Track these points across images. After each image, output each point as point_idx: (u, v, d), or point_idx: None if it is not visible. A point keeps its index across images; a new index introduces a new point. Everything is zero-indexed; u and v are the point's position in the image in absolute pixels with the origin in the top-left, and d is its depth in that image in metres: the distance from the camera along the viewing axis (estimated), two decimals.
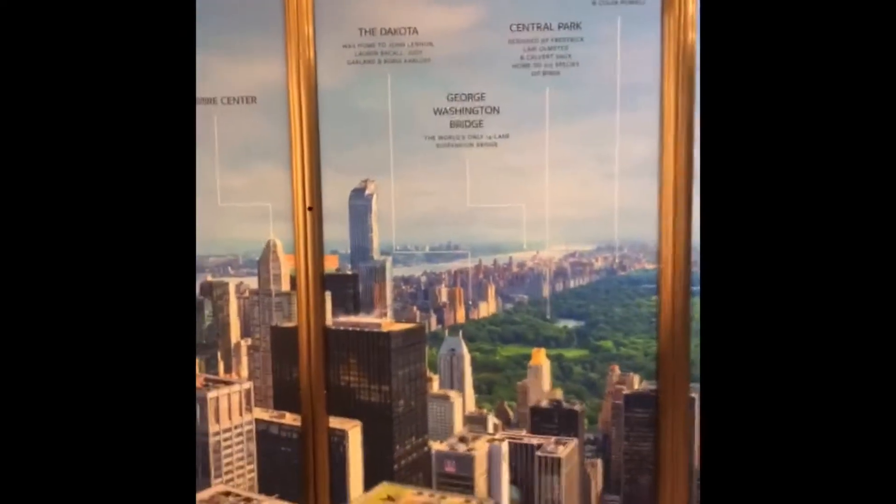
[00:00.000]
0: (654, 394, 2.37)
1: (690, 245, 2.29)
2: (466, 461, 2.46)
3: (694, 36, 2.21)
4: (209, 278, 2.57)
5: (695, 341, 2.35)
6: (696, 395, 2.37)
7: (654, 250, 2.31)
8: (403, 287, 2.47)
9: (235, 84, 2.46)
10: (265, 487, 2.57)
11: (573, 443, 2.43)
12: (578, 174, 2.33)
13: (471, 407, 2.47)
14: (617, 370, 2.41)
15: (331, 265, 2.45)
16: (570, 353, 2.42)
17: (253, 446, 2.57)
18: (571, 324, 2.42)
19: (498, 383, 2.46)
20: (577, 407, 2.43)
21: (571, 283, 2.42)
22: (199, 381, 2.54)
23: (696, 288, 2.32)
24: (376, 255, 2.44)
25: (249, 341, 2.56)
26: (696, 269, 2.31)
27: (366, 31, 2.35)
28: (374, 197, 2.41)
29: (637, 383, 2.40)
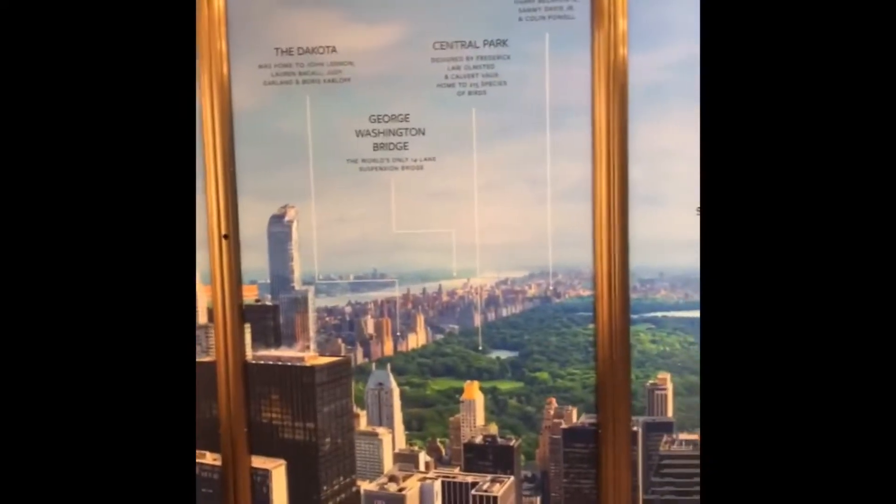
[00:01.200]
0: (593, 427, 2.26)
1: (627, 270, 2.18)
2: (397, 501, 2.32)
3: (625, 52, 2.12)
4: None
5: (635, 371, 2.24)
6: (637, 429, 2.26)
7: (589, 276, 2.20)
8: (327, 318, 2.34)
9: None
10: None
11: (509, 480, 2.30)
12: (509, 198, 2.23)
13: (401, 444, 2.34)
14: (554, 403, 2.29)
15: (250, 296, 2.31)
16: (505, 386, 2.30)
17: None
18: (505, 354, 2.30)
19: (429, 419, 2.33)
20: (513, 442, 2.31)
21: (504, 312, 2.30)
22: None
23: (635, 315, 2.22)
24: (298, 285, 2.31)
25: None
26: (634, 294, 2.21)
27: (282, 51, 2.23)
28: (295, 223, 2.28)
29: (575, 417, 2.29)
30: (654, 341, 2.25)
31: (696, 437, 2.26)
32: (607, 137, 2.14)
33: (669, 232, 2.19)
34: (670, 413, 2.26)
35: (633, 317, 2.21)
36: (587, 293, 2.22)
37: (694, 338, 2.25)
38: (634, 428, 2.25)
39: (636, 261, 2.19)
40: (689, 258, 2.21)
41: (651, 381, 2.26)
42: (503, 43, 2.16)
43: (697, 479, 2.25)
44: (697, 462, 2.25)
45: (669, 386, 2.25)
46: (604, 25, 2.11)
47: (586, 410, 2.27)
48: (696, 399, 2.26)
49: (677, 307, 2.25)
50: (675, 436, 2.27)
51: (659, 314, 2.25)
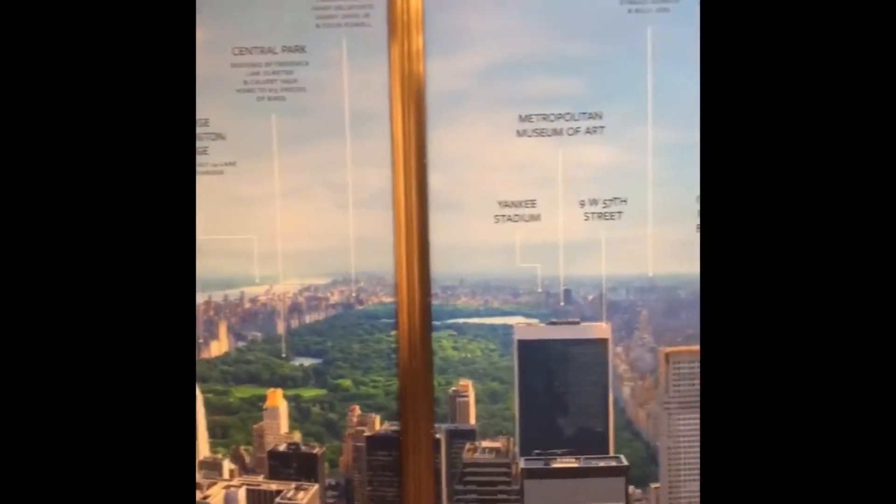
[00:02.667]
0: (396, 435, 2.25)
1: (428, 277, 2.19)
2: None
3: (421, 59, 2.13)
4: None
5: (437, 378, 2.25)
6: (440, 436, 2.27)
7: (391, 283, 2.20)
8: None
9: None
10: None
11: (314, 488, 2.28)
12: (311, 204, 2.22)
13: (205, 452, 2.31)
14: (357, 410, 2.28)
15: None
16: (308, 393, 2.29)
17: None
18: (308, 362, 2.29)
19: (233, 426, 2.30)
20: (317, 450, 2.29)
21: (307, 319, 2.29)
22: None
23: (436, 322, 2.23)
24: None
25: None
26: (436, 301, 2.21)
27: None
28: None
29: (378, 424, 2.28)
30: (455, 348, 2.26)
31: (498, 444, 2.27)
32: (404, 144, 2.15)
33: (469, 239, 2.20)
34: (472, 420, 2.27)
35: (435, 323, 2.22)
36: (389, 300, 2.22)
37: (495, 344, 2.27)
38: (437, 435, 2.25)
39: (437, 267, 2.19)
40: (488, 264, 2.24)
41: (453, 388, 2.26)
42: (301, 49, 2.16)
43: (500, 488, 2.26)
44: (500, 470, 2.27)
45: (471, 393, 2.26)
46: (399, 33, 2.12)
47: (389, 418, 2.27)
48: (498, 406, 2.27)
49: (478, 314, 2.26)
50: (477, 443, 2.28)
51: (460, 321, 2.27)
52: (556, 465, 2.22)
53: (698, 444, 2.20)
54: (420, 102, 2.14)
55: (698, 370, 2.15)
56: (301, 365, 2.29)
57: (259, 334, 2.31)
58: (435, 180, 2.17)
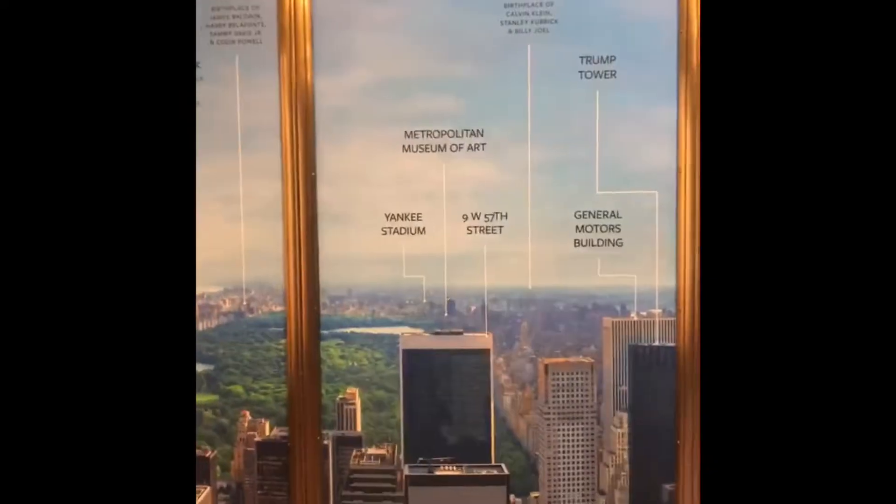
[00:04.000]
0: (285, 441, 2.31)
1: (317, 287, 2.25)
2: None
3: (311, 75, 2.20)
4: None
5: (325, 386, 2.31)
6: (328, 443, 2.32)
7: (281, 292, 2.27)
8: None
9: None
10: None
11: (205, 491, 2.34)
12: (204, 215, 2.27)
13: None
14: (248, 416, 2.34)
15: None
16: (201, 399, 2.34)
17: None
18: (201, 368, 2.34)
19: None
20: (209, 454, 2.35)
21: (200, 326, 2.35)
22: None
23: (325, 331, 2.29)
24: None
25: None
26: (324, 311, 2.28)
27: None
28: None
29: (268, 429, 2.34)
30: (343, 357, 2.32)
31: (383, 451, 2.32)
32: (293, 158, 2.22)
33: (357, 250, 2.27)
34: (359, 428, 2.32)
35: (323, 332, 2.28)
36: (279, 309, 2.28)
37: (381, 353, 2.33)
38: (325, 442, 2.31)
39: (325, 278, 2.26)
40: (375, 275, 2.30)
41: (340, 396, 2.32)
42: (196, 65, 2.23)
43: (385, 494, 2.32)
44: (385, 477, 2.32)
45: (358, 401, 2.32)
46: (288, 51, 2.20)
47: (279, 423, 2.33)
48: (384, 414, 2.33)
49: (365, 323, 2.32)
50: (363, 450, 2.33)
51: (348, 330, 2.32)
52: (439, 472, 2.27)
53: (577, 453, 2.27)
54: (309, 118, 2.21)
55: (576, 381, 2.22)
56: None
57: None
58: (324, 193, 2.24)
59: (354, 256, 2.26)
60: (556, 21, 2.16)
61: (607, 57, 2.16)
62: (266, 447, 2.33)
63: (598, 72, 2.16)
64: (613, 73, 2.16)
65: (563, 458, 2.27)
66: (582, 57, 2.16)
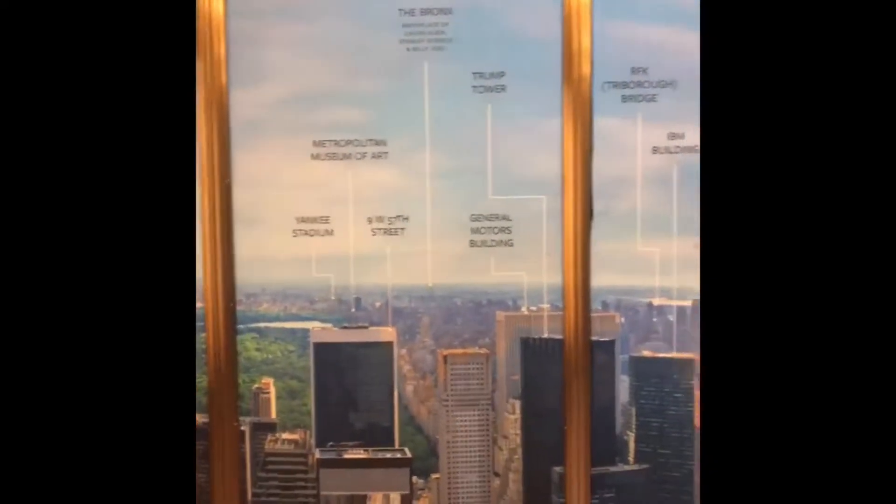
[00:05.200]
0: (205, 427, 2.48)
1: (233, 285, 2.42)
2: None
3: (226, 78, 2.36)
4: None
5: (242, 376, 2.48)
6: (245, 429, 2.50)
7: (199, 290, 2.43)
8: None
9: None
10: None
11: None
12: None
13: None
14: None
15: None
16: None
17: None
18: None
19: None
20: None
21: None
22: None
23: (241, 326, 2.46)
24: None
25: None
26: (240, 307, 2.45)
27: None
28: None
29: None
30: (258, 349, 2.50)
31: (296, 436, 2.51)
32: (209, 165, 2.39)
33: (270, 251, 2.44)
34: (274, 415, 2.50)
35: (240, 327, 2.45)
36: (198, 305, 2.45)
37: (294, 346, 2.51)
38: (242, 428, 2.48)
39: (241, 276, 2.43)
40: (287, 274, 2.48)
41: (256, 386, 2.50)
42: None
43: (298, 476, 2.50)
44: (298, 460, 2.51)
45: (272, 390, 2.50)
46: (205, 64, 2.36)
47: (199, 411, 2.50)
48: (296, 402, 2.51)
49: (278, 318, 2.50)
50: (278, 435, 2.51)
51: (262, 325, 2.50)
52: (347, 455, 2.46)
53: (474, 438, 2.46)
54: (224, 127, 2.38)
55: (472, 371, 2.41)
56: None
57: None
58: (239, 198, 2.41)
59: (268, 257, 2.44)
60: (450, 39, 2.34)
61: (497, 73, 2.35)
62: None
63: (489, 86, 2.35)
64: (503, 88, 2.35)
65: (461, 442, 2.46)
66: (474, 73, 2.35)
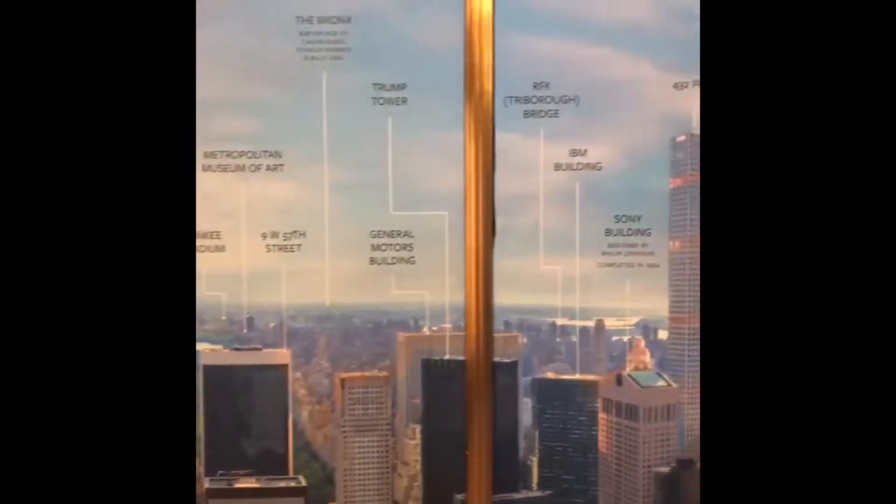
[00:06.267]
0: None
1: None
2: None
3: None
4: None
5: None
6: None
7: None
8: None
9: None
10: None
11: None
12: None
13: None
14: None
15: None
16: None
17: None
18: None
19: None
20: None
21: None
22: None
23: None
24: None
25: None
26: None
27: None
28: None
29: None
30: None
31: None
32: None
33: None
34: None
35: None
36: None
37: None
38: None
39: None
40: None
41: None
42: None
43: None
44: None
45: None
46: None
47: None
48: None
49: None
50: None
51: None
52: (238, 485, 2.32)
53: (372, 465, 2.36)
54: None
55: (371, 395, 2.31)
56: None
57: None
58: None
59: None
60: (349, 49, 2.26)
61: (399, 84, 2.27)
62: None
63: (390, 98, 2.27)
64: (404, 100, 2.27)
65: (359, 469, 2.36)
66: (375, 84, 2.26)
